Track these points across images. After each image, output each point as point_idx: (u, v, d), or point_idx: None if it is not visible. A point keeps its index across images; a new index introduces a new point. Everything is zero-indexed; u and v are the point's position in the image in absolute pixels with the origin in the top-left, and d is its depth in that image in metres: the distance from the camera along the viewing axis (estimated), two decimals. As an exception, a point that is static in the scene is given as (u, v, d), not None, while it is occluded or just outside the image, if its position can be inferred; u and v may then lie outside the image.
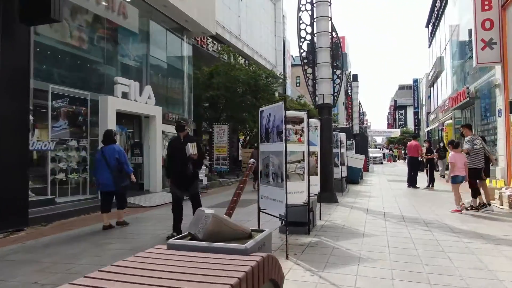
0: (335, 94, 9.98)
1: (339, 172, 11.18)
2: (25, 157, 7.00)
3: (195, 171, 5.81)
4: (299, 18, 9.81)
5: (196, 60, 16.65)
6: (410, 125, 70.27)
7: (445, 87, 26.05)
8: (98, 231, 6.46)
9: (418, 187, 12.83)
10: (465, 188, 8.11)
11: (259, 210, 5.10)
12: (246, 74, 17.78)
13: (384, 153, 46.23)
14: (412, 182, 13.17)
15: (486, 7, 12.11)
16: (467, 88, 17.27)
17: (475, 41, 12.20)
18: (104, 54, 10.88)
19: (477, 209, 7.85)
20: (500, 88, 12.27)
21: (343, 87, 31.19)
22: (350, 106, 30.18)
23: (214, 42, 19.60)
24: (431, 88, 34.30)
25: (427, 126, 38.57)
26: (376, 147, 54.89)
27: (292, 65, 38.58)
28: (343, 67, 10.68)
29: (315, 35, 9.65)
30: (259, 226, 5.06)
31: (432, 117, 34.19)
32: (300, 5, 9.82)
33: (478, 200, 7.96)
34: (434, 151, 14.93)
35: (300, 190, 5.39)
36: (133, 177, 7.04)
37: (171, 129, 12.74)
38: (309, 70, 9.89)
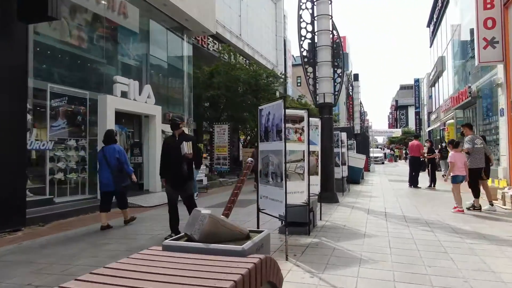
0: (336, 93, 9.90)
1: (340, 172, 11.10)
2: (23, 156, 6.94)
3: (190, 172, 5.62)
4: (300, 16, 9.73)
5: (196, 60, 16.58)
6: (411, 125, 70.14)
7: (447, 87, 25.95)
8: (96, 231, 6.40)
9: (420, 187, 12.74)
10: (465, 188, 8.03)
11: (259, 210, 5.02)
12: (246, 74, 17.71)
13: (385, 153, 46.11)
14: (413, 182, 13.07)
15: (488, 6, 12.02)
16: (469, 87, 17.17)
17: (477, 40, 12.10)
18: (103, 53, 10.83)
19: (479, 209, 7.76)
20: (502, 87, 12.17)
21: (344, 87, 31.10)
22: (351, 105, 30.04)
23: (215, 41, 19.53)
24: (433, 88, 34.21)
25: (429, 126, 38.49)
26: (377, 147, 54.77)
27: (293, 65, 38.50)
28: (344, 66, 10.60)
29: (316, 33, 9.57)
30: (258, 227, 4.98)
31: (433, 117, 34.10)
32: (301, 3, 9.74)
33: (473, 202, 7.89)
34: (436, 151, 14.85)
35: (300, 190, 5.31)
36: (134, 177, 6.99)
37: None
38: (310, 69, 9.81)
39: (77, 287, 2.01)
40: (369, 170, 22.14)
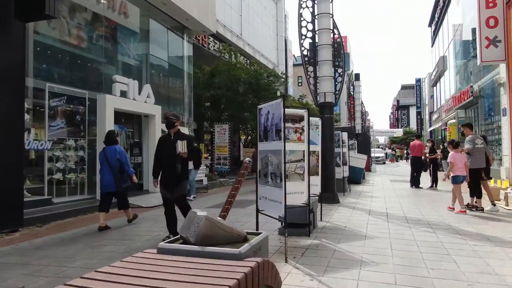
0: (337, 92, 9.80)
1: (341, 172, 11.02)
2: (20, 156, 6.86)
3: (185, 172, 5.46)
4: (300, 15, 9.65)
5: (197, 60, 16.52)
6: (413, 125, 70.00)
7: (448, 87, 25.84)
8: (94, 232, 6.32)
9: (421, 187, 12.65)
10: (464, 189, 7.97)
11: (258, 211, 4.94)
12: (247, 74, 17.64)
13: (386, 153, 45.99)
14: (415, 182, 12.98)
15: (491, 5, 11.92)
16: (471, 87, 17.07)
17: (479, 39, 12.00)
18: (102, 52, 10.76)
19: (482, 209, 7.68)
20: (505, 87, 12.07)
21: (345, 86, 31.01)
22: (352, 105, 29.94)
23: (215, 41, 19.46)
24: (434, 88, 34.10)
25: (430, 126, 38.38)
26: (379, 147, 54.63)
27: (294, 65, 38.40)
28: (345, 66, 10.51)
29: (316, 32, 9.49)
30: (257, 228, 4.89)
31: (435, 116, 33.98)
32: (301, 2, 9.66)
33: (469, 201, 7.82)
34: (438, 151, 14.74)
35: (300, 191, 5.22)
36: (134, 178, 6.94)
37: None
38: (310, 68, 9.73)
39: (66, 293, 1.94)
40: (370, 170, 22.04)
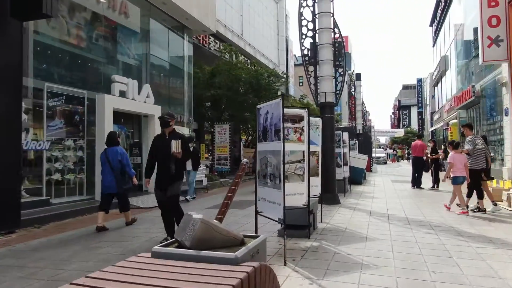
0: (337, 92, 9.72)
1: (342, 173, 10.94)
2: (18, 156, 6.79)
3: (179, 172, 5.35)
4: (300, 14, 9.57)
5: (197, 59, 16.46)
6: (414, 125, 69.91)
7: (450, 86, 25.72)
8: (92, 233, 6.26)
9: (423, 188, 12.56)
10: (464, 189, 7.91)
11: (257, 213, 4.86)
12: (248, 73, 17.57)
13: (387, 153, 45.88)
14: (416, 182, 12.89)
15: (493, 4, 11.84)
16: (473, 86, 16.97)
17: (481, 38, 11.92)
18: (101, 52, 10.70)
19: (484, 211, 7.60)
20: (507, 86, 11.98)
21: (346, 86, 30.92)
22: (353, 105, 29.87)
23: (216, 41, 19.39)
24: (435, 88, 33.97)
25: (431, 126, 38.24)
26: (380, 147, 54.52)
27: (295, 65, 38.31)
28: (346, 66, 10.42)
29: (317, 31, 9.41)
30: (256, 230, 4.82)
31: (436, 116, 33.86)
32: (302, 1, 9.58)
33: (467, 202, 7.76)
34: (439, 151, 14.65)
35: (300, 192, 5.14)
36: (135, 180, 6.90)
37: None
38: (311, 68, 9.65)
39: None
40: (371, 171, 21.94)
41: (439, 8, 27.27)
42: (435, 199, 9.88)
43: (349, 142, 12.53)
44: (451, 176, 7.86)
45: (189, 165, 10.17)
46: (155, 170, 5.46)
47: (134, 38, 12.32)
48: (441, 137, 29.88)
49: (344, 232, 5.86)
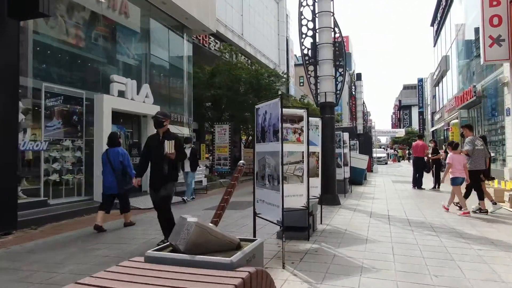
0: (338, 92, 9.64)
1: (342, 173, 10.86)
2: (14, 157, 6.72)
3: (172, 173, 5.23)
4: (300, 13, 9.49)
5: (198, 59, 16.38)
6: (415, 125, 69.80)
7: (451, 86, 25.64)
8: (89, 234, 6.19)
9: (424, 188, 12.47)
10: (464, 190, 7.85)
11: (255, 214, 4.78)
12: (248, 73, 17.49)
13: (388, 153, 45.79)
14: (417, 183, 12.81)
15: (494, 3, 11.75)
16: (474, 86, 16.89)
17: (482, 37, 11.83)
18: (100, 52, 10.63)
19: (486, 212, 7.53)
20: (509, 86, 11.90)
21: (347, 86, 30.85)
22: (354, 105, 29.80)
23: (216, 41, 19.31)
24: (436, 88, 33.87)
25: (432, 126, 38.16)
26: (380, 147, 54.45)
27: (296, 65, 38.20)
28: (346, 65, 10.34)
29: (317, 31, 9.33)
30: (254, 232, 4.74)
31: (437, 116, 33.77)
32: (302, 0, 9.50)
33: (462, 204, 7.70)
34: (440, 151, 14.57)
35: (299, 193, 5.07)
36: (134, 181, 6.82)
37: (171, 129, 12.46)
38: (311, 68, 9.57)
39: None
40: (372, 171, 21.85)
41: (440, 8, 27.18)
42: (436, 200, 9.79)
43: (349, 143, 12.45)
44: (450, 177, 7.80)
45: (187, 166, 10.09)
46: (149, 170, 5.39)
47: (133, 38, 12.25)
48: (442, 137, 29.79)
49: (344, 234, 5.78)
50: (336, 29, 9.54)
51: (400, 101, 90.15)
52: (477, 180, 7.69)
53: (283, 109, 4.27)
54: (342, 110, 51.41)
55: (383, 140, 78.66)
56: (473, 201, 7.87)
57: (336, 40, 9.64)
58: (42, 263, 4.52)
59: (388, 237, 5.54)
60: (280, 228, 4.39)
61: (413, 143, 13.98)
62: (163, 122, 5.27)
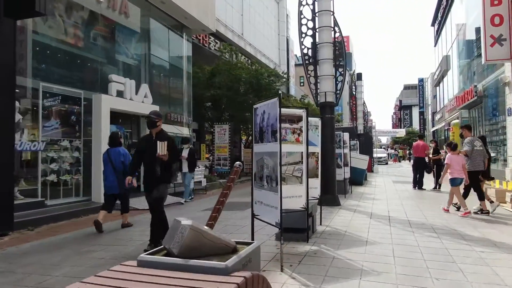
0: (338, 92, 9.56)
1: (342, 173, 10.77)
2: (11, 157, 6.65)
3: (165, 174, 5.14)
4: (300, 12, 9.41)
5: (198, 59, 16.31)
6: (416, 125, 69.69)
7: (452, 86, 25.56)
8: (86, 235, 6.12)
9: (424, 189, 12.39)
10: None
11: (253, 216, 4.71)
12: (248, 73, 17.43)
13: (389, 153, 45.71)
14: (418, 183, 12.73)
15: (496, 2, 11.67)
16: (475, 86, 16.80)
17: (483, 37, 11.74)
18: (99, 52, 10.56)
19: (487, 212, 7.45)
20: (510, 86, 11.82)
21: (348, 86, 30.77)
22: (354, 105, 29.68)
23: (216, 40, 19.25)
24: (437, 88, 33.80)
25: (433, 126, 38.09)
26: (381, 147, 54.35)
27: (296, 65, 38.13)
28: (346, 65, 10.26)
29: (317, 30, 9.25)
30: (252, 234, 4.66)
31: (438, 116, 33.70)
32: (301, -1, 9.42)
33: (462, 204, 7.62)
34: (441, 151, 14.48)
35: (298, 194, 4.99)
36: (134, 182, 6.77)
37: (171, 129, 12.40)
38: (311, 67, 9.49)
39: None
40: (372, 171, 21.76)
41: (441, 8, 27.10)
42: (437, 200, 9.70)
43: (349, 143, 12.37)
44: (449, 178, 7.74)
45: (185, 167, 10.00)
46: (143, 172, 5.34)
47: (133, 38, 12.18)
48: (443, 137, 29.71)
49: (344, 235, 5.70)
50: (336, 29, 9.45)
51: (400, 101, 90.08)
52: (476, 180, 7.63)
53: (282, 109, 4.20)
54: (343, 110, 51.33)
55: (384, 140, 78.62)
56: (472, 201, 7.79)
57: (336, 39, 9.56)
58: (36, 265, 4.45)
59: (388, 238, 5.46)
60: (279, 230, 4.31)
61: (414, 143, 13.89)
62: (156, 122, 5.17)
